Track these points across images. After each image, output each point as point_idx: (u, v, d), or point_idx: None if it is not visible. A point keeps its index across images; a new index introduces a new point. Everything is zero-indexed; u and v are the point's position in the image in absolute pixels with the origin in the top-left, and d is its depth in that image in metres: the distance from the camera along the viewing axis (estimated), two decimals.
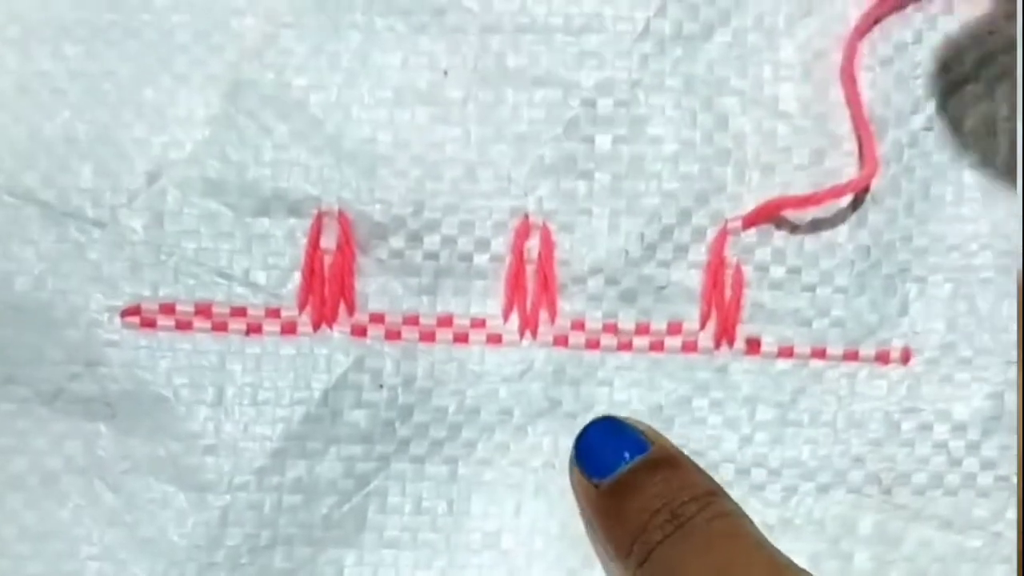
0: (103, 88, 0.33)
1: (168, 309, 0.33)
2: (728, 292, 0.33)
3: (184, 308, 0.33)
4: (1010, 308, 0.33)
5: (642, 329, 0.33)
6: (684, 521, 0.28)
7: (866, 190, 0.33)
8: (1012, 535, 0.33)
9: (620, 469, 0.30)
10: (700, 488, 0.29)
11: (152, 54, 0.34)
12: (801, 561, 0.29)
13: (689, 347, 0.33)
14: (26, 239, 0.33)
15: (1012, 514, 0.33)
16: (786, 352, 0.33)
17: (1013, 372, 0.33)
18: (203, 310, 0.33)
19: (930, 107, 0.34)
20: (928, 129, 0.34)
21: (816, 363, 0.33)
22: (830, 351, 0.33)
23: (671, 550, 0.28)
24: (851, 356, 0.33)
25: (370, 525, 0.33)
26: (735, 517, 0.29)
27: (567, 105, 0.33)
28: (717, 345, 0.33)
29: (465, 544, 0.33)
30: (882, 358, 0.33)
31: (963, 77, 0.34)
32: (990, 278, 0.34)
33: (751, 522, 0.29)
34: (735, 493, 0.31)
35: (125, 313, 0.33)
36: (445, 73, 0.33)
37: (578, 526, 0.33)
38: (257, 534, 0.32)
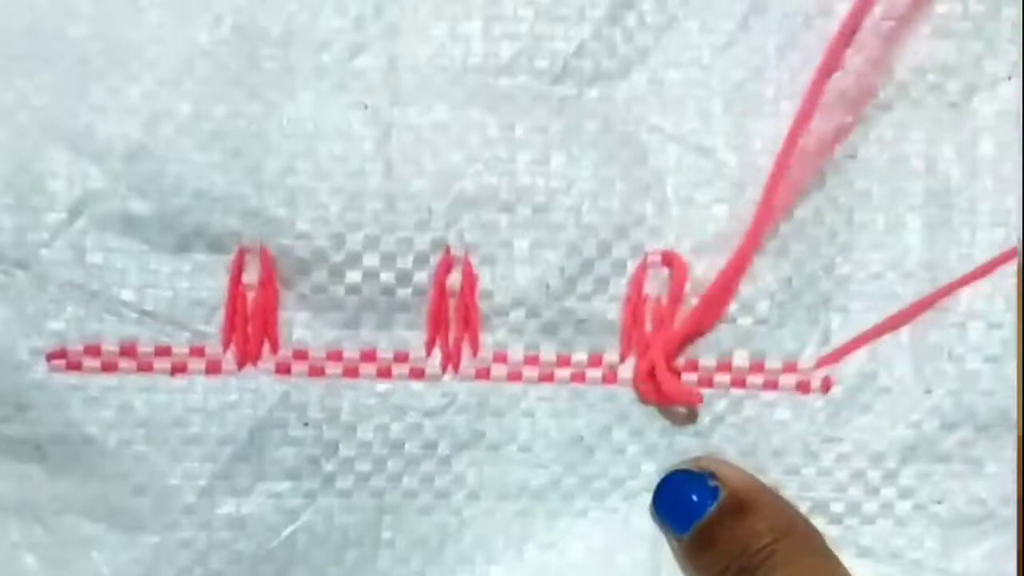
0: (20, 120, 0.33)
1: (93, 351, 0.33)
2: (648, 325, 0.33)
3: (109, 348, 0.33)
4: (937, 336, 0.33)
5: (563, 361, 0.33)
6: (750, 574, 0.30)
7: (780, 220, 0.33)
8: (931, 563, 0.33)
9: (696, 523, 0.31)
10: (764, 538, 0.31)
11: (69, 82, 0.33)
12: None
13: (609, 379, 0.33)
14: None
15: (931, 543, 0.33)
16: (705, 382, 0.33)
17: (932, 401, 0.33)
18: (128, 350, 0.33)
19: (854, 134, 0.33)
20: (851, 156, 0.33)
21: (736, 392, 0.33)
22: (750, 380, 0.33)
23: None
24: (771, 386, 0.33)
25: (299, 559, 0.33)
26: (796, 559, 0.31)
27: (487, 139, 0.33)
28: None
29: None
30: (802, 387, 0.33)
31: (888, 103, 0.33)
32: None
33: (822, 553, 0.31)
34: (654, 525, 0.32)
35: (51, 356, 0.33)
36: (365, 107, 0.33)
37: (497, 552, 0.33)
38: (190, 570, 0.33)
